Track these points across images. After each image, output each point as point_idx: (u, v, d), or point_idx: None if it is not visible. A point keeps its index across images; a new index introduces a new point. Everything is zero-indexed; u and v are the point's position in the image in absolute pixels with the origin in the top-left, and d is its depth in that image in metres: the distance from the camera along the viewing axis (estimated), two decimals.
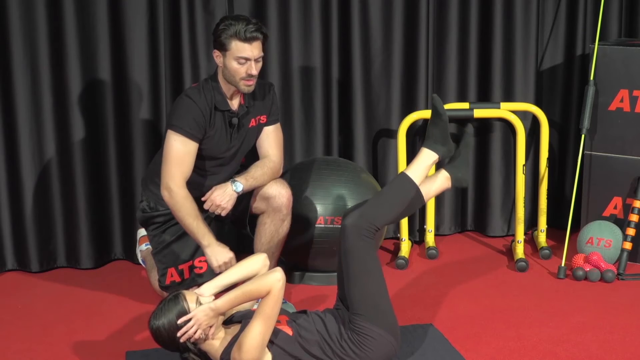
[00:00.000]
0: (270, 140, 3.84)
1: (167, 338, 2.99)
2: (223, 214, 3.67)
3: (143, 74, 4.30)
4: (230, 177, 3.76)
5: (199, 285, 3.40)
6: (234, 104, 3.72)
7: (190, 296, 3.01)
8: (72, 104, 4.24)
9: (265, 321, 2.92)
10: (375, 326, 3.12)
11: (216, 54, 3.63)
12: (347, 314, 3.18)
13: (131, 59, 4.27)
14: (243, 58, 3.55)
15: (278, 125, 3.88)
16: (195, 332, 2.97)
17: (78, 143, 4.27)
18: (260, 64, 3.62)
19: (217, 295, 3.07)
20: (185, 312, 2.97)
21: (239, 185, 3.67)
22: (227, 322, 3.16)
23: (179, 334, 2.97)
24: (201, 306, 2.97)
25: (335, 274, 4.12)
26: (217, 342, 3.05)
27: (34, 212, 4.32)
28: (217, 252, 3.57)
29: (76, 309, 3.90)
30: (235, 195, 3.66)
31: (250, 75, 3.58)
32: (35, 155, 4.26)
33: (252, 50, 3.55)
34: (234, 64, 3.57)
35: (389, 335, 3.15)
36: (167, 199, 3.62)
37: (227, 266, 3.52)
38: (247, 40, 3.54)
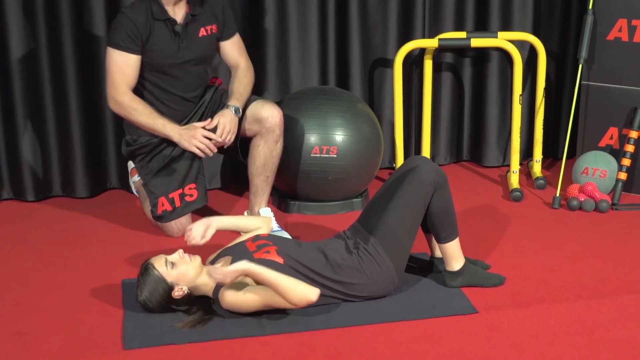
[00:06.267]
0: (235, 50, 3.94)
1: (157, 306, 3.07)
2: (231, 138, 3.74)
3: None
4: (195, 94, 3.86)
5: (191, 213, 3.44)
6: (179, 12, 3.74)
7: (158, 262, 3.07)
8: (65, 37, 4.19)
9: (261, 303, 2.99)
10: (388, 257, 3.15)
11: None
12: (364, 238, 3.20)
13: None
14: None
15: (236, 35, 3.95)
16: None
17: (72, 72, 4.23)
18: None
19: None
20: (160, 278, 3.03)
21: (236, 108, 3.76)
22: (215, 260, 3.21)
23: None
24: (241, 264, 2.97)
25: (330, 203, 4.17)
26: (208, 283, 3.10)
27: (29, 141, 4.30)
28: (184, 135, 3.69)
29: (72, 238, 3.91)
30: (237, 119, 3.75)
31: None
32: (30, 85, 4.23)
33: None
34: None
35: (394, 273, 3.17)
36: (117, 110, 3.72)
37: (197, 141, 3.66)
38: None
